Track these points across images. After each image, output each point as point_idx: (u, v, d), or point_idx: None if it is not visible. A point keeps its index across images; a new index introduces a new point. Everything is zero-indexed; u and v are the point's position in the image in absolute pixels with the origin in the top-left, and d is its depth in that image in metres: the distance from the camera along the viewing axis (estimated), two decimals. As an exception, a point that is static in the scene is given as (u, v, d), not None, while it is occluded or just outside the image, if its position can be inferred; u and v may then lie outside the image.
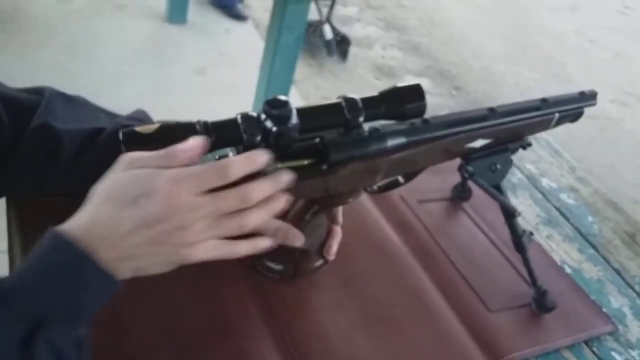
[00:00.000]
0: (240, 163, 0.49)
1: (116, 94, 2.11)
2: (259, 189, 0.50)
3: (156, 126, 0.52)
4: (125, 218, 0.46)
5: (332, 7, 3.20)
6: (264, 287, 0.67)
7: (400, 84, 0.59)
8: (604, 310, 0.81)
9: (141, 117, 0.70)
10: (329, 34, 3.19)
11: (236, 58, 2.97)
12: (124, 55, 2.72)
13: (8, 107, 0.63)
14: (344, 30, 3.37)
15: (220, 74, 2.80)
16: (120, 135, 0.51)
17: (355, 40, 3.28)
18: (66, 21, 2.85)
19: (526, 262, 0.75)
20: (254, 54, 2.95)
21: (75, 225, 0.47)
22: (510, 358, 0.69)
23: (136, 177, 0.48)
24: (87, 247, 0.45)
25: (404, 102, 0.58)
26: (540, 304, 0.75)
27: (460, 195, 0.91)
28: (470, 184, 0.79)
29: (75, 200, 0.50)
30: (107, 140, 0.65)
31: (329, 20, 3.23)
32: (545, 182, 1.05)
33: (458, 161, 0.70)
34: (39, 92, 0.66)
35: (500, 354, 0.69)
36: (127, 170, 0.48)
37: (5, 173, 0.64)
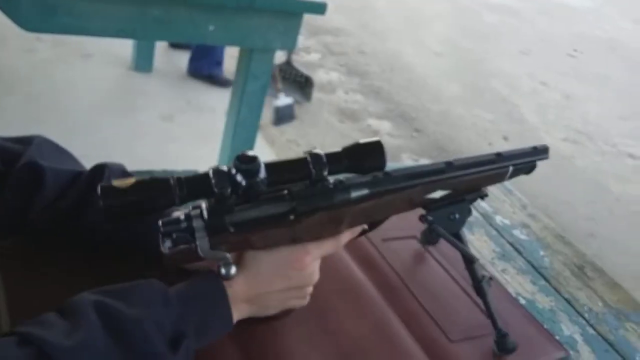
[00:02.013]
0: (347, 236, 0.67)
1: (83, 142, 2.13)
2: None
3: (132, 181, 0.54)
4: (275, 282, 0.63)
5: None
6: (236, 325, 0.71)
7: (362, 140, 0.63)
8: (557, 337, 0.87)
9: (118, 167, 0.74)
10: (281, 100, 3.15)
11: (202, 105, 3.03)
12: (91, 104, 2.75)
13: None
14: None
15: (186, 121, 2.85)
16: (98, 189, 0.54)
17: (318, 85, 3.39)
18: (32, 70, 2.88)
19: (487, 306, 0.79)
20: (219, 100, 3.03)
21: (237, 276, 0.61)
22: (470, 384, 0.74)
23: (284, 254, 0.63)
24: (234, 293, 0.61)
25: (364, 157, 0.62)
26: (501, 346, 0.79)
27: (429, 240, 0.96)
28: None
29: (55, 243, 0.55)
30: (88, 179, 0.69)
31: (289, 63, 3.30)
32: (498, 218, 1.12)
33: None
34: (27, 140, 0.70)
35: (461, 380, 0.74)
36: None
37: None
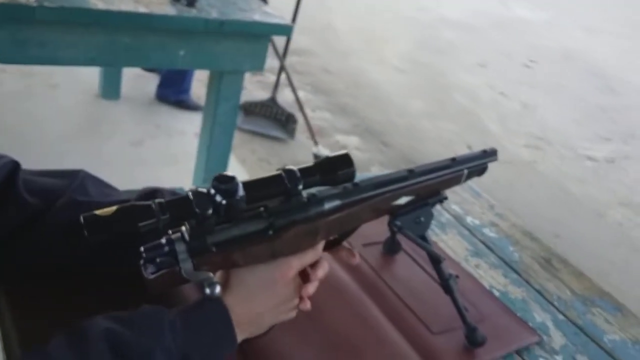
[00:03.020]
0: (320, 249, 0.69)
1: (56, 171, 2.15)
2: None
3: (114, 209, 0.55)
4: (265, 300, 0.65)
5: (276, 87, 3.35)
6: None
7: (332, 154, 0.67)
8: (530, 324, 0.93)
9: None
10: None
11: (172, 129, 3.06)
12: (59, 134, 2.75)
13: (33, 194, 0.69)
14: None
15: (157, 145, 2.87)
16: (81, 219, 0.54)
17: (285, 104, 3.44)
18: (-1, 103, 2.87)
19: (455, 302, 0.84)
20: (189, 123, 3.07)
21: (232, 299, 0.62)
22: (454, 371, 0.79)
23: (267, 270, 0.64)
24: (235, 316, 0.61)
25: (335, 169, 0.66)
26: (471, 339, 0.84)
27: (391, 248, 1.01)
28: (399, 237, 0.91)
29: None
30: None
31: (274, 100, 3.36)
32: (469, 219, 1.19)
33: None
34: (70, 174, 0.73)
35: (445, 368, 0.79)
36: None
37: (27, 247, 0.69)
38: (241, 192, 0.59)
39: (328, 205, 0.66)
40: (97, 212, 0.55)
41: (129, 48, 1.73)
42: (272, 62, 2.85)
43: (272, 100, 3.36)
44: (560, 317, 0.98)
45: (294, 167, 0.63)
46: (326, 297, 0.85)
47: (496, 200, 1.30)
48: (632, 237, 3.21)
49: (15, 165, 0.69)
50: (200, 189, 0.58)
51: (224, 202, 0.58)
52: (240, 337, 0.64)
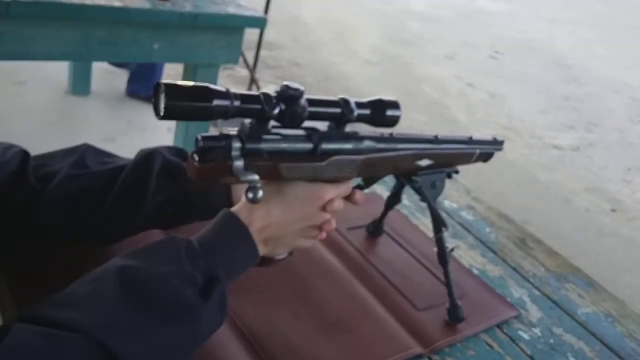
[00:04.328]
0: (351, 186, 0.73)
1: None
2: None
3: (192, 83, 0.57)
4: (293, 216, 0.66)
5: (251, 83, 3.35)
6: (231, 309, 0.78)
7: (384, 97, 0.72)
8: (508, 300, 0.98)
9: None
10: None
11: (144, 124, 3.04)
12: (29, 131, 2.71)
13: (40, 180, 0.71)
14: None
15: (129, 141, 2.85)
16: (162, 87, 0.54)
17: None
18: (-36, 102, 2.81)
19: (446, 275, 0.87)
20: (162, 119, 3.05)
21: (244, 210, 0.65)
22: (439, 345, 0.83)
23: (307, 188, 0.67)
24: (252, 227, 0.64)
25: (385, 108, 0.70)
26: (453, 316, 0.88)
27: (375, 231, 1.04)
28: (386, 230, 0.94)
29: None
30: (130, 174, 0.73)
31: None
32: (447, 203, 1.23)
33: (378, 195, 0.83)
34: (76, 151, 0.75)
35: (430, 342, 0.83)
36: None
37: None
38: (304, 101, 0.63)
39: (367, 144, 0.71)
40: (179, 82, 0.55)
41: (104, 42, 1.72)
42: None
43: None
44: (537, 292, 1.02)
45: (350, 98, 0.68)
46: (316, 279, 0.88)
47: (466, 187, 1.34)
48: (598, 222, 3.32)
49: (25, 155, 0.71)
50: (268, 92, 0.61)
51: (287, 107, 0.61)
52: (262, 252, 0.66)
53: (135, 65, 3.17)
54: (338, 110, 0.66)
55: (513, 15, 7.75)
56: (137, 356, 0.53)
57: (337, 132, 0.68)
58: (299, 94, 0.62)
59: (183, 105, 0.55)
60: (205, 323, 0.59)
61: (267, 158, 0.62)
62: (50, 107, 3.00)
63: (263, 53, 4.20)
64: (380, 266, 0.96)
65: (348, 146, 0.69)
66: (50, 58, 1.71)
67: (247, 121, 0.62)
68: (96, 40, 1.70)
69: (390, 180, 1.07)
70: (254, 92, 0.61)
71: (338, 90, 4.20)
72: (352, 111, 0.67)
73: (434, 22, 6.64)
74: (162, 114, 0.55)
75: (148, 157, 0.74)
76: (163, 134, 2.84)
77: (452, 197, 1.26)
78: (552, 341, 0.91)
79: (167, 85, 0.54)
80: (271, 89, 0.62)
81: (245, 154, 0.61)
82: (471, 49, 6.02)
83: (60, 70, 3.07)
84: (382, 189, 1.17)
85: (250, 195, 0.60)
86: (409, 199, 1.16)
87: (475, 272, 1.03)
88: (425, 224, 1.13)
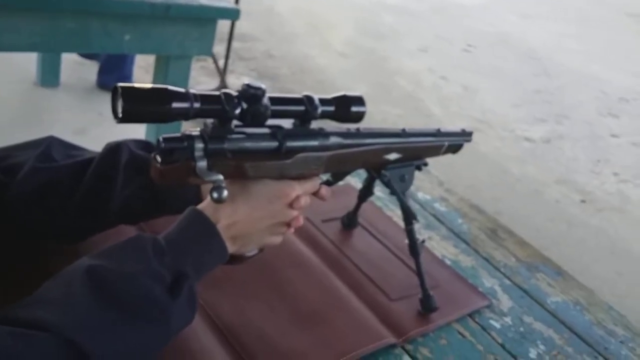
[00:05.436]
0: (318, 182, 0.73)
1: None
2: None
3: (150, 85, 0.56)
4: (260, 213, 0.66)
5: (224, 72, 3.32)
6: (206, 304, 0.78)
7: (348, 93, 0.72)
8: (480, 289, 0.99)
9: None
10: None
11: (116, 116, 2.99)
12: (-3, 123, 2.65)
13: (5, 172, 0.70)
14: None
15: (100, 133, 2.80)
16: (119, 89, 0.53)
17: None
18: None
19: (417, 265, 0.88)
20: (134, 111, 3.01)
21: (210, 207, 0.65)
22: (412, 334, 0.84)
23: (273, 185, 0.67)
24: (218, 224, 0.63)
25: (350, 104, 0.71)
26: (425, 306, 0.89)
27: (349, 223, 1.04)
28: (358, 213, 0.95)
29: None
30: (97, 168, 0.72)
31: (225, 87, 3.34)
32: (420, 195, 1.24)
33: (352, 187, 0.84)
34: (42, 143, 0.73)
35: (404, 332, 0.84)
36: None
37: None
38: (266, 100, 0.62)
39: (333, 140, 0.71)
40: (136, 84, 0.55)
41: (73, 33, 1.68)
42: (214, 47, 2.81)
43: (224, 87, 3.35)
44: (507, 282, 1.04)
45: (314, 95, 0.68)
46: (291, 271, 0.88)
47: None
48: (568, 213, 3.38)
49: None
50: (229, 91, 0.60)
51: (249, 106, 0.61)
52: (230, 249, 0.66)
53: (105, 56, 3.11)
54: (301, 108, 0.66)
55: (487, 9, 7.82)
56: (108, 353, 0.53)
57: (301, 129, 0.68)
58: (260, 92, 0.62)
59: (140, 108, 0.55)
60: (174, 320, 0.58)
61: (231, 157, 0.62)
62: (18, 99, 2.94)
63: (236, 44, 4.17)
64: (354, 257, 0.96)
65: (314, 143, 0.69)
66: (17, 49, 1.67)
67: (210, 121, 0.62)
68: (65, 31, 1.67)
69: (363, 173, 1.07)
70: (215, 92, 0.60)
71: (312, 82, 4.20)
72: (316, 108, 0.67)
73: (408, 15, 6.66)
74: (120, 116, 0.54)
75: (115, 150, 0.73)
76: (135, 126, 2.80)
77: (424, 188, 1.27)
78: (522, 329, 0.93)
79: (123, 88, 0.53)
80: (242, 82, 0.62)
81: (208, 153, 0.60)
82: (445, 42, 6.06)
83: (27, 61, 3.01)
84: (356, 181, 1.18)
85: (215, 195, 0.60)
86: (382, 191, 1.17)
87: (448, 262, 1.04)
88: (399, 215, 1.13)
